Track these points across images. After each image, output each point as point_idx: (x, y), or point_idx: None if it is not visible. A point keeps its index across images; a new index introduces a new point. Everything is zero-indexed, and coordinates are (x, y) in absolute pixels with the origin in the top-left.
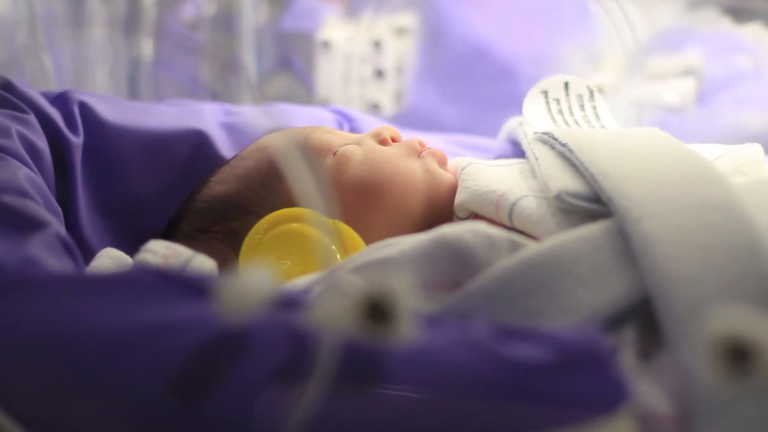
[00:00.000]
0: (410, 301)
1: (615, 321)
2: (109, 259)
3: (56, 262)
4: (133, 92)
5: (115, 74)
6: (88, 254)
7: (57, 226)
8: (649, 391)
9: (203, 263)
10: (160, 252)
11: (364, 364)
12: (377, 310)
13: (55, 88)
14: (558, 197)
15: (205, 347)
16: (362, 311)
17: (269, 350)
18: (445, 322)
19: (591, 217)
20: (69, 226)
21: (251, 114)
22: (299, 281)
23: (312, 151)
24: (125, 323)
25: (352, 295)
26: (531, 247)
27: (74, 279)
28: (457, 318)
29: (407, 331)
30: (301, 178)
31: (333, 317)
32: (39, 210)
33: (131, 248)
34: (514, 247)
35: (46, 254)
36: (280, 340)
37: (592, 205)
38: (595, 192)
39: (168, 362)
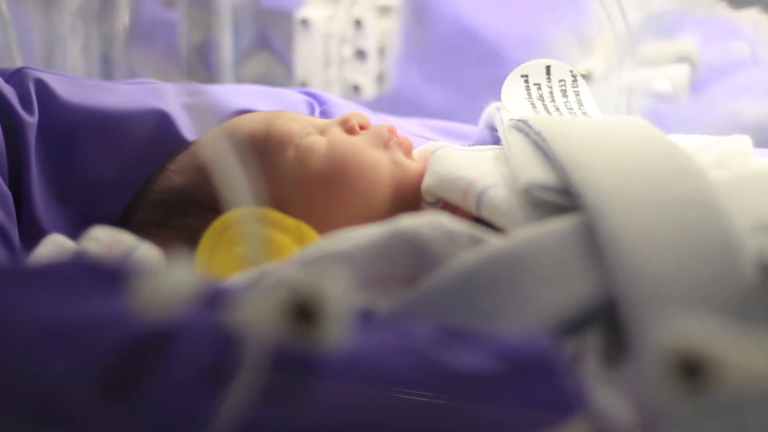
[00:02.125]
0: (343, 299)
1: (579, 323)
2: (54, 246)
3: None
4: (107, 70)
5: (87, 51)
6: (42, 238)
7: None
8: (610, 399)
9: (148, 253)
10: (102, 240)
11: (292, 367)
12: (305, 310)
13: (20, 64)
14: (526, 189)
15: (126, 344)
16: (288, 311)
17: (194, 350)
18: (384, 323)
19: (561, 210)
20: (22, 210)
21: (204, 95)
22: (237, 277)
23: (271, 144)
24: (46, 316)
25: (279, 293)
26: (492, 243)
27: None
28: (403, 318)
29: (336, 333)
30: (231, 176)
31: (259, 316)
32: None
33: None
34: (475, 242)
35: None
36: (206, 340)
37: (562, 198)
38: (566, 184)
39: (88, 360)
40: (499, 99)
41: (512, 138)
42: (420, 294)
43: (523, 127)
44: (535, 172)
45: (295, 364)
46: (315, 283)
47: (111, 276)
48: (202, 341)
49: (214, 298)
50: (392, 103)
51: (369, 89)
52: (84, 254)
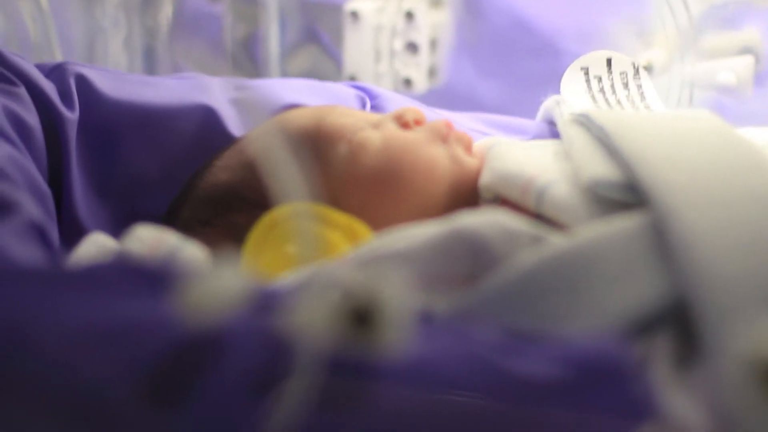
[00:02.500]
0: (402, 303)
1: (647, 325)
2: (95, 245)
3: (23, 251)
4: (150, 65)
5: (130, 44)
6: (83, 237)
7: (31, 209)
8: (682, 405)
9: (193, 253)
10: (146, 240)
11: (347, 373)
12: (363, 314)
13: (61, 59)
14: (590, 185)
15: (170, 350)
16: (345, 315)
17: (242, 356)
18: (444, 326)
19: (626, 207)
20: (62, 208)
21: (252, 90)
22: (287, 277)
23: (322, 139)
24: (86, 320)
25: (334, 297)
26: (554, 242)
27: (32, 271)
28: (463, 320)
29: (395, 338)
30: (280, 171)
31: (313, 320)
32: (11, 192)
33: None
34: (536, 241)
35: (12, 242)
36: (255, 345)
37: (627, 195)
38: (631, 181)
39: (130, 366)
40: (556, 92)
41: (573, 132)
42: (479, 295)
43: (584, 122)
44: (598, 167)
45: (351, 370)
46: (372, 285)
47: (155, 278)
48: (251, 347)
49: (264, 302)
50: (444, 97)
51: (420, 83)
52: (126, 255)
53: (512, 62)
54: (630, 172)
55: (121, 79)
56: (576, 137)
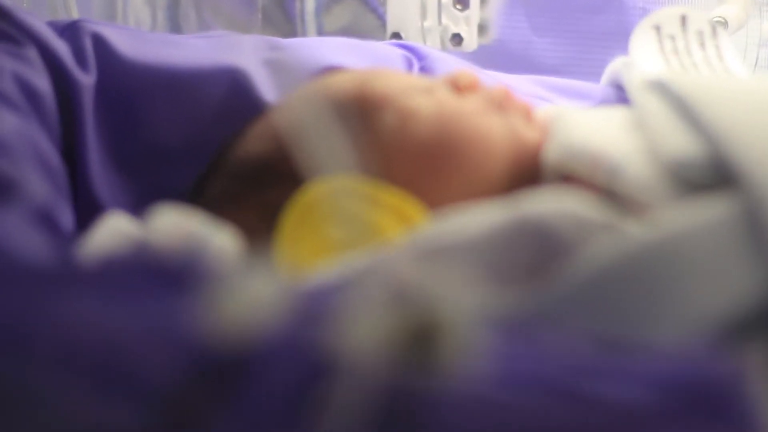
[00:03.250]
0: (472, 318)
1: (744, 327)
2: (113, 229)
3: (25, 242)
4: (174, 22)
5: (152, 0)
6: (101, 216)
7: (38, 190)
8: None
9: (223, 243)
10: (170, 225)
11: (406, 400)
12: (426, 332)
13: (77, 16)
14: (672, 163)
15: (196, 368)
16: (404, 334)
17: (282, 376)
18: (518, 342)
19: (712, 187)
20: (78, 184)
21: (288, 50)
22: (330, 269)
23: (367, 105)
24: (96, 329)
25: (394, 310)
26: (633, 233)
27: (31, 270)
28: (538, 329)
29: (461, 362)
30: (321, 141)
31: (366, 338)
32: (14, 172)
33: (152, 209)
34: (612, 231)
35: (13, 231)
36: (297, 364)
37: (714, 175)
38: (718, 158)
39: (148, 386)
40: (622, 51)
41: (647, 101)
42: (549, 294)
43: (659, 88)
44: (678, 143)
45: (411, 397)
46: (436, 296)
47: (179, 280)
48: (292, 365)
49: (308, 312)
50: (496, 56)
51: (470, 40)
52: (146, 248)
53: (571, 17)
54: (716, 149)
55: (143, 38)
56: (650, 106)
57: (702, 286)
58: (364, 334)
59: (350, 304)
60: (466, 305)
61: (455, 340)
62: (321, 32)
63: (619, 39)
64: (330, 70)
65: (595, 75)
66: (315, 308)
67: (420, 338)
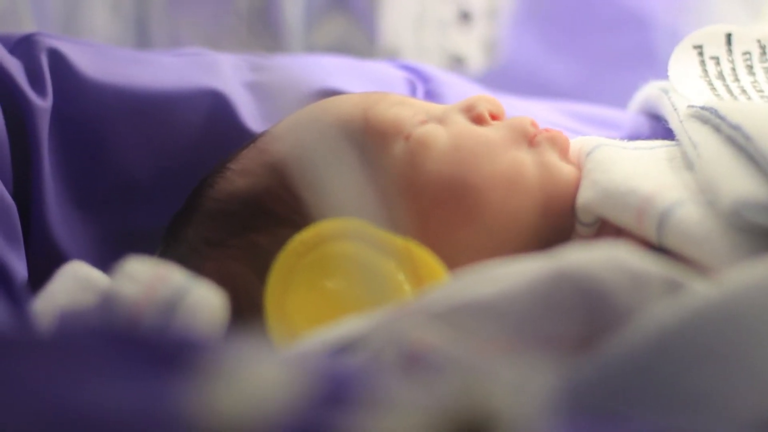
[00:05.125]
0: (525, 408)
1: None
2: (74, 280)
3: None
4: (143, 37)
5: (119, 11)
6: (60, 262)
7: None
8: None
9: (203, 299)
10: (141, 277)
11: None
12: (474, 428)
13: (32, 28)
14: (734, 210)
15: None
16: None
17: None
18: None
19: None
20: (32, 225)
21: (275, 70)
22: (327, 334)
23: (371, 136)
24: (49, 416)
25: (438, 400)
26: (698, 291)
27: None
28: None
29: None
30: (317, 177)
31: None
32: None
33: (120, 255)
34: (672, 289)
35: None
36: None
37: None
38: None
39: None
40: (647, 74)
41: (697, 133)
42: (602, 367)
43: (710, 118)
44: (743, 184)
45: None
46: (488, 380)
47: (161, 353)
48: None
49: (327, 396)
50: (505, 78)
51: (475, 61)
52: (116, 310)
53: (587, 36)
54: None
55: (107, 55)
56: (702, 140)
57: None
58: (399, 424)
59: (377, 385)
60: (519, 385)
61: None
62: (308, 50)
63: (639, 60)
64: (326, 93)
65: (613, 100)
66: (335, 389)
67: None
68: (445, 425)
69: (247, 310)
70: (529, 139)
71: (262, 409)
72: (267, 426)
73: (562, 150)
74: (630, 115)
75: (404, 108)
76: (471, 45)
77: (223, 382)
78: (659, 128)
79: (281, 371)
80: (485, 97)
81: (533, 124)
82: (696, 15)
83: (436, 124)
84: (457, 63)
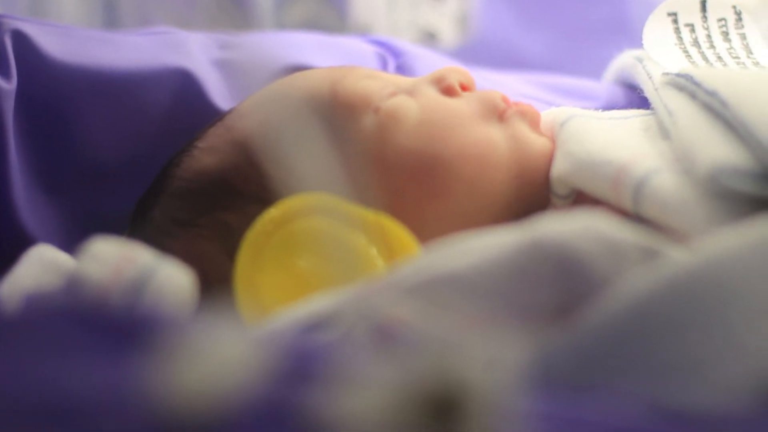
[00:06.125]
0: (496, 384)
1: None
2: (39, 263)
3: None
4: (111, 17)
5: None
6: (27, 246)
7: None
8: None
9: (171, 278)
10: (108, 258)
11: None
12: (450, 401)
13: None
14: (710, 176)
15: None
16: (426, 403)
17: None
18: (554, 414)
19: (761, 204)
20: None
21: (243, 48)
22: (298, 310)
23: (339, 109)
24: (14, 400)
25: (407, 373)
26: (675, 259)
27: None
28: (573, 392)
29: None
30: (284, 153)
31: (373, 408)
32: None
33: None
34: (649, 256)
35: None
36: None
37: (763, 186)
38: (766, 167)
39: None
40: (623, 44)
41: (673, 101)
42: (579, 338)
43: (686, 85)
44: (720, 150)
45: None
46: (457, 352)
47: (125, 331)
48: None
49: (291, 371)
50: (479, 53)
51: (448, 36)
52: (80, 289)
53: (562, 7)
54: (765, 155)
55: (73, 36)
56: (678, 107)
57: (757, 322)
58: (368, 400)
59: (344, 361)
60: (492, 358)
61: (485, 407)
62: (279, 28)
63: (615, 31)
64: (294, 69)
65: (589, 72)
66: (299, 365)
67: (440, 405)
68: (415, 401)
69: (217, 289)
70: (500, 113)
71: (225, 385)
72: (230, 402)
73: (533, 122)
74: (605, 85)
75: (373, 81)
76: (443, 20)
77: (186, 360)
78: (635, 98)
79: (245, 348)
80: (455, 68)
81: (504, 99)
82: None
83: (406, 96)
84: (429, 38)
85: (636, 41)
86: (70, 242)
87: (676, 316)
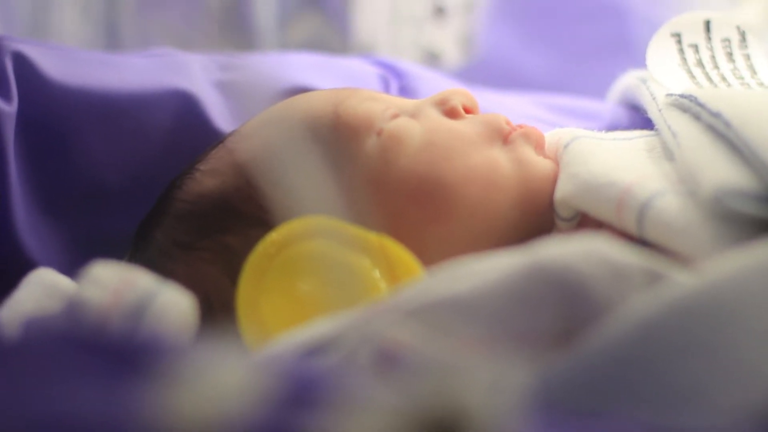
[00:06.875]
0: (498, 408)
1: None
2: (40, 287)
3: None
4: (113, 38)
5: (89, 13)
6: (28, 269)
7: None
8: None
9: (171, 302)
10: (108, 282)
11: None
12: (449, 426)
13: (1, 32)
14: (715, 198)
15: None
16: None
17: None
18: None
19: (765, 226)
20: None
21: (244, 69)
22: (302, 334)
23: (341, 131)
24: (26, 417)
25: (407, 399)
26: (679, 281)
27: None
28: (575, 419)
29: None
30: (287, 176)
31: None
32: None
33: (89, 262)
34: (652, 279)
35: None
36: None
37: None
38: None
39: None
40: (626, 65)
41: (677, 122)
42: (581, 362)
43: (690, 106)
44: (724, 172)
45: None
46: (457, 378)
47: (125, 357)
48: None
49: (291, 397)
50: (482, 72)
51: (451, 56)
52: (81, 314)
53: (564, 28)
54: None
55: (74, 58)
56: (682, 129)
57: (763, 345)
58: (367, 424)
59: (343, 385)
60: (492, 383)
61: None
62: (282, 48)
63: (617, 50)
64: (296, 91)
65: (593, 92)
66: (298, 391)
67: (441, 430)
68: (415, 425)
69: (220, 313)
70: (504, 136)
71: (224, 411)
72: (228, 428)
73: (538, 144)
74: (609, 105)
75: (376, 103)
76: (446, 40)
77: (184, 385)
78: (638, 118)
79: (245, 374)
80: (459, 91)
81: (507, 122)
82: (674, 4)
83: (409, 118)
84: (433, 58)
85: (639, 60)
86: (71, 264)
87: (679, 339)
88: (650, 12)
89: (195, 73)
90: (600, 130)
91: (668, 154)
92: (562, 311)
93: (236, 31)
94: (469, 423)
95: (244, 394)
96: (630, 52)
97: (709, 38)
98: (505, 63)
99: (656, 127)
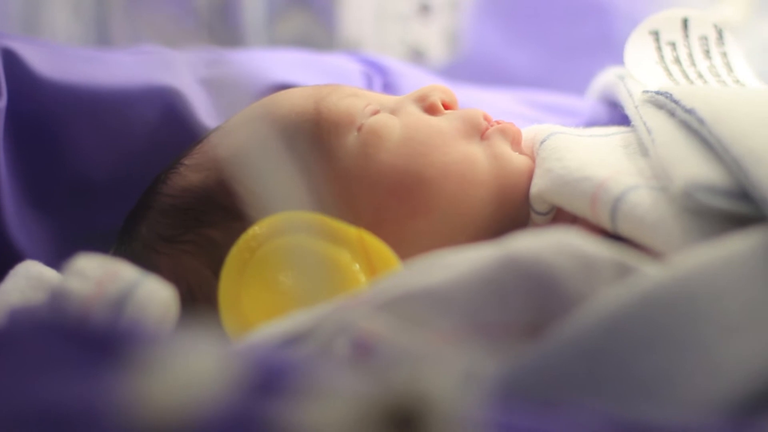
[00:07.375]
0: (459, 396)
1: None
2: (26, 279)
3: None
4: (103, 36)
5: (79, 11)
6: (17, 261)
7: None
8: None
9: (153, 293)
10: (91, 274)
11: None
12: (411, 413)
13: None
14: (686, 192)
15: None
16: (387, 415)
17: None
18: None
19: (735, 221)
20: None
21: (229, 65)
22: (280, 325)
23: (323, 127)
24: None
25: (371, 385)
26: (648, 274)
27: None
28: (537, 407)
29: None
30: (268, 171)
31: (337, 419)
32: None
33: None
34: (623, 272)
35: None
36: None
37: (738, 204)
38: (741, 184)
39: None
40: (609, 62)
41: (652, 119)
42: (549, 352)
43: (665, 103)
44: (696, 167)
45: None
46: (420, 366)
47: (103, 346)
48: None
49: (258, 384)
50: (467, 69)
51: (437, 53)
52: (63, 305)
53: (548, 25)
54: (741, 173)
55: (62, 55)
56: (657, 125)
57: (730, 340)
58: (332, 411)
59: (312, 374)
60: (457, 373)
61: (446, 419)
62: (269, 45)
63: (601, 48)
64: (279, 87)
65: (576, 88)
66: (267, 379)
67: (402, 417)
68: (377, 413)
69: (203, 304)
70: (481, 131)
71: (193, 398)
72: (199, 415)
73: (514, 140)
74: (588, 102)
75: (357, 99)
76: (432, 37)
77: (155, 374)
78: (617, 115)
79: (214, 362)
80: (438, 87)
81: (485, 117)
82: (656, 1)
83: (389, 114)
84: (418, 55)
85: (622, 58)
86: (59, 257)
87: (645, 332)
88: (633, 10)
89: (181, 69)
90: (579, 126)
91: (643, 150)
92: (532, 303)
93: (224, 28)
94: (429, 411)
95: (213, 381)
96: (613, 49)
97: (686, 36)
98: (490, 60)
99: (632, 123)
